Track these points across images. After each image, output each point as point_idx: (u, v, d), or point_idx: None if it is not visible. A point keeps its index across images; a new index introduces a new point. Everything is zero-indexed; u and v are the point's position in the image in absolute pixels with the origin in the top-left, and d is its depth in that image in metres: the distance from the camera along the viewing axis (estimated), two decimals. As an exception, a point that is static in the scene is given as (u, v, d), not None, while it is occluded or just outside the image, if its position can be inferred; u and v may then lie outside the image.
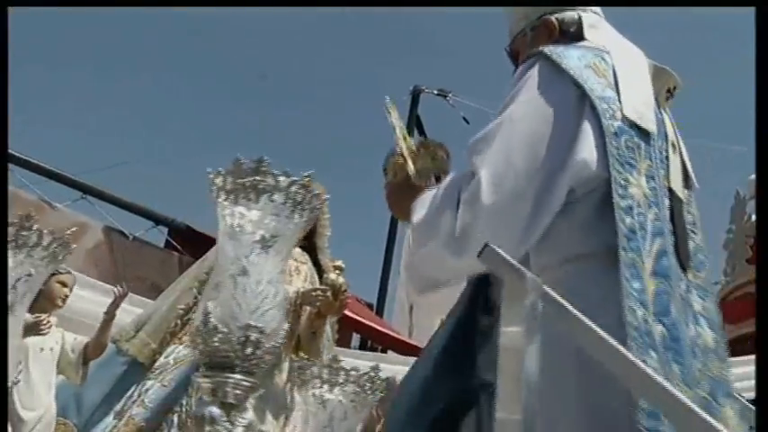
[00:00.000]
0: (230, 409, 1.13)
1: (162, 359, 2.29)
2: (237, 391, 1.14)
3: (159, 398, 2.19)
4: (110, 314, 2.50)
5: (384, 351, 6.40)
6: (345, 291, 2.34)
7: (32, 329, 2.30)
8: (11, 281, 1.22)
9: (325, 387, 1.43)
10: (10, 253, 1.22)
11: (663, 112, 1.70)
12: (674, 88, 1.76)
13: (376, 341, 5.91)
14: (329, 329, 2.52)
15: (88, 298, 3.55)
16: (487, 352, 1.52)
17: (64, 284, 2.64)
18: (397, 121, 1.89)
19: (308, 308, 2.38)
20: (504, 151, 1.55)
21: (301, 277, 2.51)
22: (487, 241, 1.37)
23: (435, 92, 9.12)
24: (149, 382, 2.24)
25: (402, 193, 1.74)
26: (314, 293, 2.35)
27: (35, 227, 1.22)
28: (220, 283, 1.18)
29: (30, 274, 1.24)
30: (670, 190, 1.59)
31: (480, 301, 1.65)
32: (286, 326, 1.18)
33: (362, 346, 6.41)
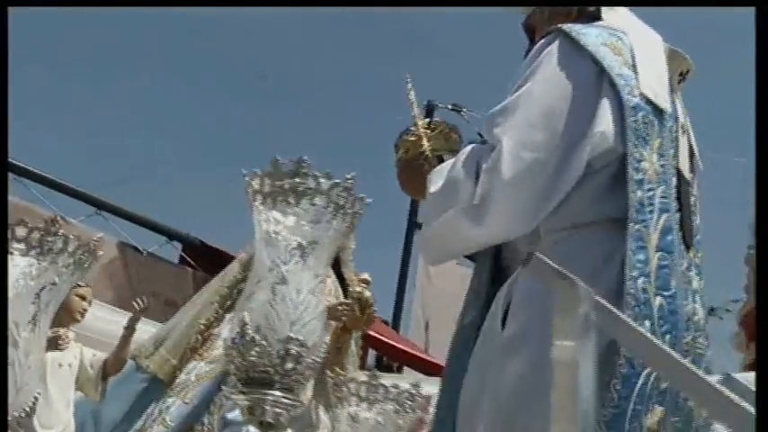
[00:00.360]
0: (268, 428, 1.05)
1: (183, 376, 2.20)
2: (277, 410, 1.05)
3: (181, 415, 2.10)
4: (130, 328, 2.42)
5: (400, 368, 6.29)
6: (372, 305, 2.26)
7: (51, 344, 2.22)
8: (34, 289, 1.14)
9: (363, 405, 1.34)
10: (31, 260, 1.14)
11: (675, 94, 1.72)
12: (687, 72, 1.79)
13: (392, 358, 5.79)
14: (354, 345, 2.44)
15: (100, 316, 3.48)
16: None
17: (83, 298, 2.57)
18: (414, 98, 1.90)
19: (333, 323, 2.30)
20: (525, 124, 1.57)
21: (325, 291, 2.42)
22: (531, 251, 1.33)
23: (450, 107, 9.05)
24: (170, 400, 2.15)
25: (414, 170, 1.75)
26: (340, 308, 2.26)
27: (60, 232, 1.15)
28: (257, 293, 1.10)
29: (54, 283, 1.16)
30: (678, 170, 1.62)
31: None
32: (327, 339, 1.09)
33: (378, 363, 6.31)
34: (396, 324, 7.33)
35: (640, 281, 1.46)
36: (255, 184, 1.14)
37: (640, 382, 1.46)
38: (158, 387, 2.26)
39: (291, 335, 1.05)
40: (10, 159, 4.76)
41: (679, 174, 1.64)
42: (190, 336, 2.28)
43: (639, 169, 1.54)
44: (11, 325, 1.11)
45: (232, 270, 2.37)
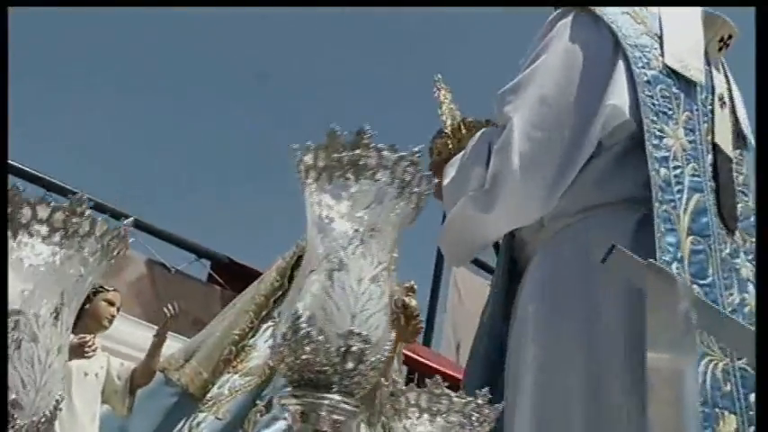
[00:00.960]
0: (325, 438, 0.89)
1: (215, 389, 2.06)
2: (334, 416, 0.90)
3: (215, 429, 1.95)
4: (160, 336, 2.28)
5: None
6: (418, 315, 2.10)
7: (76, 351, 2.09)
8: (56, 279, 1.00)
9: (425, 417, 1.17)
10: (54, 248, 1.00)
11: (712, 63, 1.62)
12: (729, 37, 1.65)
13: (425, 374, 5.58)
14: (396, 359, 2.27)
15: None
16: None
17: (111, 303, 2.43)
18: (445, 98, 1.82)
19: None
20: (537, 101, 1.49)
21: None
22: (614, 243, 1.23)
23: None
24: (201, 415, 2.00)
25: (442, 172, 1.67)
26: (384, 317, 2.11)
27: (87, 213, 1.01)
28: (311, 282, 0.94)
29: (80, 274, 1.02)
30: (714, 146, 1.51)
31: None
32: (393, 336, 0.94)
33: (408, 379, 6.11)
34: (427, 342, 7.14)
35: (674, 266, 1.34)
36: (308, 158, 1.00)
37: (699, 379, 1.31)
38: (189, 402, 2.12)
39: (353, 329, 0.90)
40: (34, 171, 4.71)
41: (716, 150, 1.52)
42: (223, 347, 2.14)
43: (661, 146, 1.43)
44: (30, 317, 0.97)
45: (268, 277, 2.23)
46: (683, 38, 1.55)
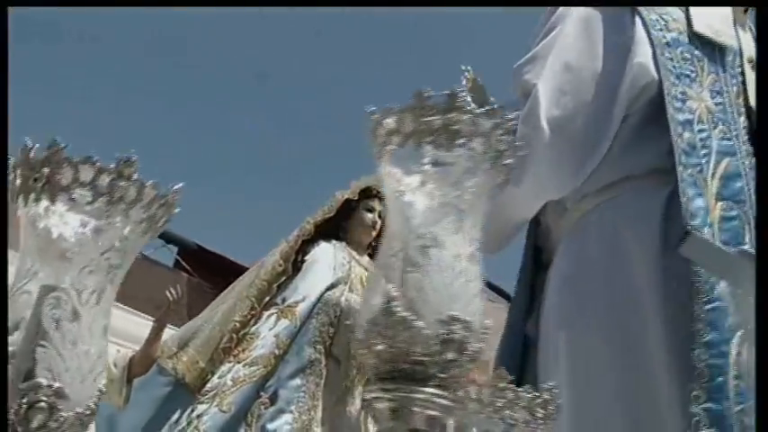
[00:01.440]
0: (422, 438, 0.78)
1: (215, 379, 1.92)
2: (430, 412, 0.79)
3: (217, 425, 1.82)
4: (161, 322, 2.13)
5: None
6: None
7: None
8: (99, 250, 0.87)
9: (487, 411, 1.07)
10: (84, 218, 0.87)
11: (738, 24, 1.57)
12: None
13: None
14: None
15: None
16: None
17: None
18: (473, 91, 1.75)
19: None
20: (561, 67, 1.44)
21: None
22: (687, 228, 1.13)
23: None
24: (202, 407, 1.86)
25: None
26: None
27: (135, 176, 0.88)
28: (401, 259, 0.83)
29: (125, 247, 0.89)
30: (748, 108, 1.45)
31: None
32: (489, 323, 0.84)
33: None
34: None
35: (705, 231, 1.28)
36: (390, 121, 0.88)
37: (733, 351, 1.24)
38: (183, 392, 1.97)
39: (455, 314, 0.79)
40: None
41: (750, 112, 1.46)
42: (222, 334, 2.00)
43: (684, 109, 1.38)
44: (71, 292, 0.84)
45: (271, 262, 2.10)
46: (713, 8, 1.52)
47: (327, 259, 2.11)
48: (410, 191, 0.87)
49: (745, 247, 1.29)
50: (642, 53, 1.43)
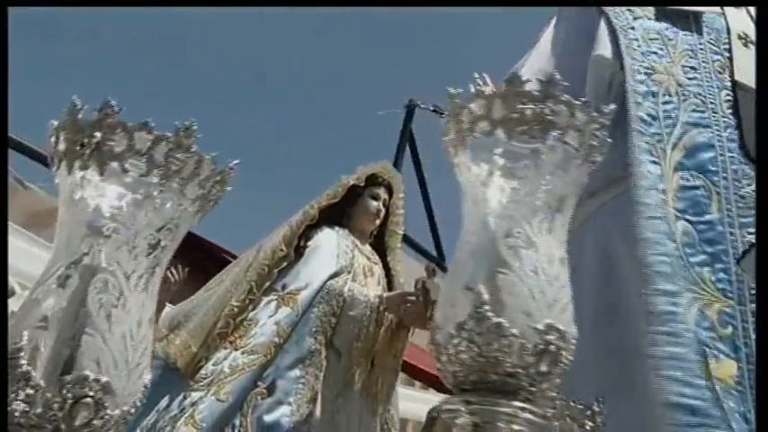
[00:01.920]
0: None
1: (210, 366, 1.82)
2: (516, 427, 0.72)
3: (214, 414, 1.72)
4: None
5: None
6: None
7: None
8: (150, 228, 0.78)
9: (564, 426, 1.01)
10: (121, 191, 0.78)
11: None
12: None
13: (418, 378, 5.33)
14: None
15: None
16: None
17: None
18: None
19: (389, 316, 1.96)
20: (534, 74, 1.51)
21: (374, 280, 2.09)
22: (751, 243, 1.10)
23: (431, 108, 8.75)
24: (196, 394, 1.76)
25: None
26: (404, 299, 1.93)
27: (194, 148, 0.79)
28: (486, 258, 0.76)
29: (176, 225, 0.80)
30: (735, 83, 1.47)
31: None
32: (574, 331, 0.77)
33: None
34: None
35: (652, 193, 1.30)
36: (476, 106, 0.81)
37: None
38: (173, 377, 1.87)
39: (552, 322, 0.72)
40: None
41: (736, 86, 1.47)
42: (217, 319, 1.90)
43: (647, 81, 1.40)
44: (119, 275, 0.75)
45: (271, 245, 2.00)
46: None
47: (331, 246, 2.02)
48: (495, 183, 0.80)
49: (709, 216, 1.32)
50: (602, 46, 1.46)
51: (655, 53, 1.46)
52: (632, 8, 1.51)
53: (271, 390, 1.80)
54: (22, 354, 0.69)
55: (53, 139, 0.78)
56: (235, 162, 0.84)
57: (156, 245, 0.78)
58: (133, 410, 0.73)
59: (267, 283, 1.97)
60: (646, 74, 1.42)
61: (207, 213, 0.85)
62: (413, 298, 1.88)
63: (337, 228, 2.12)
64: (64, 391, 0.68)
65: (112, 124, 0.75)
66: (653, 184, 1.31)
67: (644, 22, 1.50)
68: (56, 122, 0.79)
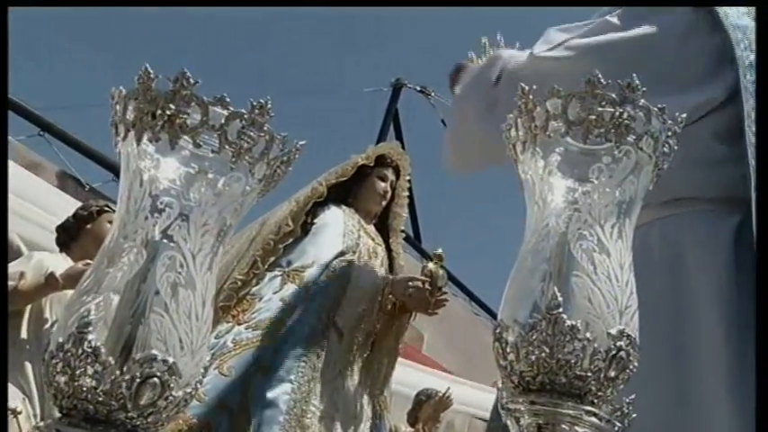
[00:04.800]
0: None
1: (212, 339, 1.80)
2: (579, 429, 0.72)
3: (216, 388, 1.71)
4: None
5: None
6: (443, 287, 1.92)
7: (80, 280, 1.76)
8: (218, 206, 0.76)
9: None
10: (220, 165, 0.75)
11: None
12: None
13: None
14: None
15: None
16: None
17: None
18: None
19: (392, 298, 1.95)
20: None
21: (378, 261, 2.08)
22: None
23: (417, 88, 8.75)
24: (197, 367, 1.75)
25: None
26: (410, 283, 1.92)
27: (266, 126, 0.76)
28: (554, 259, 0.75)
29: (240, 205, 0.78)
30: None
31: None
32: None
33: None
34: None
35: None
36: (552, 104, 0.80)
37: None
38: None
39: (625, 329, 0.72)
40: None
41: None
42: (220, 291, 1.88)
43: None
44: (187, 253, 0.73)
45: (277, 220, 1.97)
46: None
47: (337, 225, 2.01)
48: (566, 185, 0.80)
49: None
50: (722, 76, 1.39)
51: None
52: (750, 36, 1.45)
53: (272, 366, 1.79)
54: (90, 329, 0.67)
55: (119, 106, 0.76)
56: (301, 143, 0.82)
57: (223, 224, 0.76)
58: (194, 392, 0.72)
59: (272, 258, 1.95)
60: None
61: (264, 194, 0.83)
62: (418, 283, 1.88)
63: (344, 206, 2.10)
64: (132, 370, 0.66)
65: (187, 97, 0.73)
66: None
67: (755, 59, 1.42)
68: (123, 89, 0.76)
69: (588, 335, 0.70)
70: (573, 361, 0.70)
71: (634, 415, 1.05)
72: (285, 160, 0.81)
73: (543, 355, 0.71)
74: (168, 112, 0.72)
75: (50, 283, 2.20)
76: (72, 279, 2.14)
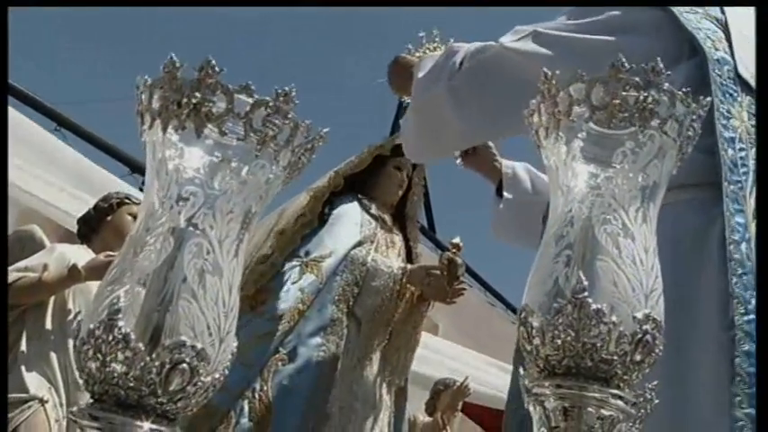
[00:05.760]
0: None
1: (232, 329, 1.81)
2: (605, 412, 0.72)
3: (238, 377, 1.72)
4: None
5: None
6: (461, 276, 1.93)
7: (101, 272, 1.78)
8: (244, 193, 0.76)
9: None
10: (245, 153, 0.75)
11: None
12: None
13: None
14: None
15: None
16: None
17: (136, 218, 2.09)
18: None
19: (411, 288, 1.96)
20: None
21: (395, 251, 2.08)
22: None
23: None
24: (218, 356, 1.76)
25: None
26: (428, 272, 1.92)
27: (291, 114, 0.77)
28: (578, 244, 0.75)
29: (265, 193, 0.78)
30: None
31: None
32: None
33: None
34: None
35: (744, 248, 1.32)
36: (577, 89, 0.80)
37: None
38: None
39: (650, 313, 0.72)
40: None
41: None
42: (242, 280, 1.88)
43: (729, 126, 1.42)
44: (213, 240, 0.73)
45: (294, 211, 1.98)
46: (748, 42, 1.53)
47: (354, 216, 2.01)
48: (590, 170, 0.79)
49: (733, 239, 1.34)
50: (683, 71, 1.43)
51: (731, 95, 1.46)
52: (712, 37, 1.50)
53: (292, 356, 1.81)
54: (120, 315, 0.68)
55: (145, 96, 0.76)
56: (325, 130, 0.82)
57: (248, 211, 0.77)
58: (222, 378, 0.72)
59: (290, 249, 1.96)
60: (726, 118, 1.43)
61: (288, 182, 0.84)
62: (436, 272, 1.88)
63: (360, 197, 2.11)
64: (161, 356, 0.67)
65: (212, 85, 0.73)
66: (741, 238, 1.33)
67: (723, 55, 1.48)
68: (148, 79, 0.76)
69: (614, 318, 0.71)
70: (599, 344, 0.71)
71: (657, 401, 1.05)
72: (309, 148, 0.81)
73: (569, 338, 0.71)
74: (194, 101, 0.73)
75: (73, 274, 2.23)
76: (94, 270, 2.16)
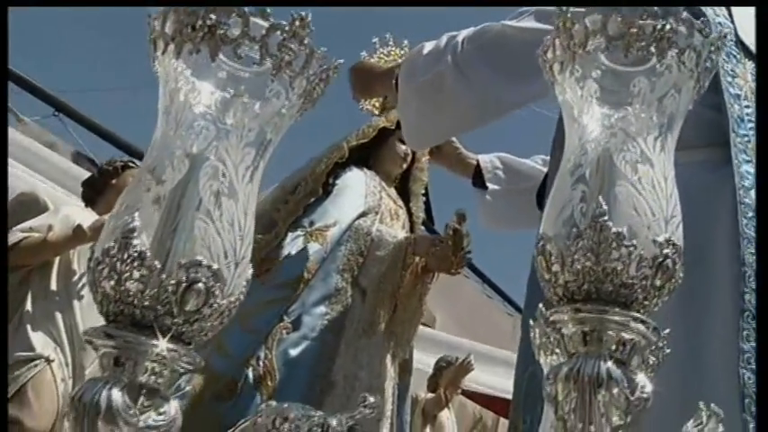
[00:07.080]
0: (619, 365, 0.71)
1: (236, 297, 1.80)
2: (626, 335, 0.71)
3: (241, 346, 1.72)
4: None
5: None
6: (468, 245, 1.92)
7: None
8: (259, 119, 0.75)
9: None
10: (260, 77, 0.74)
11: None
12: None
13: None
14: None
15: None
16: None
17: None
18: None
19: (416, 258, 1.95)
20: None
21: (400, 223, 2.07)
22: None
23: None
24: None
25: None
26: (434, 242, 1.92)
27: (306, 40, 0.76)
28: (595, 170, 0.75)
29: (281, 121, 0.78)
30: None
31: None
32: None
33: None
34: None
35: (752, 193, 1.35)
36: (593, 20, 0.79)
37: None
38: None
39: (670, 237, 0.71)
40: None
41: None
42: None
43: (734, 84, 1.47)
44: (229, 164, 0.72)
45: (297, 180, 1.97)
46: (746, 12, 1.57)
47: (359, 186, 2.00)
48: (608, 100, 0.79)
49: (743, 186, 1.37)
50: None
51: (735, 56, 1.51)
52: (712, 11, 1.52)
53: (296, 325, 1.80)
54: (135, 234, 0.67)
55: (158, 22, 0.75)
56: (340, 61, 0.81)
57: (263, 137, 0.76)
58: (237, 302, 0.72)
59: (293, 218, 1.95)
60: (732, 76, 1.48)
61: (303, 112, 0.83)
62: (443, 242, 1.87)
63: (365, 168, 2.10)
64: (178, 275, 0.66)
65: (228, 8, 0.72)
66: (751, 185, 1.36)
67: (723, 20, 1.52)
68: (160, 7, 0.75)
69: (634, 241, 0.70)
70: (619, 268, 0.70)
71: (668, 350, 1.04)
72: (324, 78, 0.80)
73: (589, 263, 0.70)
74: (209, 23, 0.72)
75: (78, 234, 2.24)
76: (99, 231, 2.15)
